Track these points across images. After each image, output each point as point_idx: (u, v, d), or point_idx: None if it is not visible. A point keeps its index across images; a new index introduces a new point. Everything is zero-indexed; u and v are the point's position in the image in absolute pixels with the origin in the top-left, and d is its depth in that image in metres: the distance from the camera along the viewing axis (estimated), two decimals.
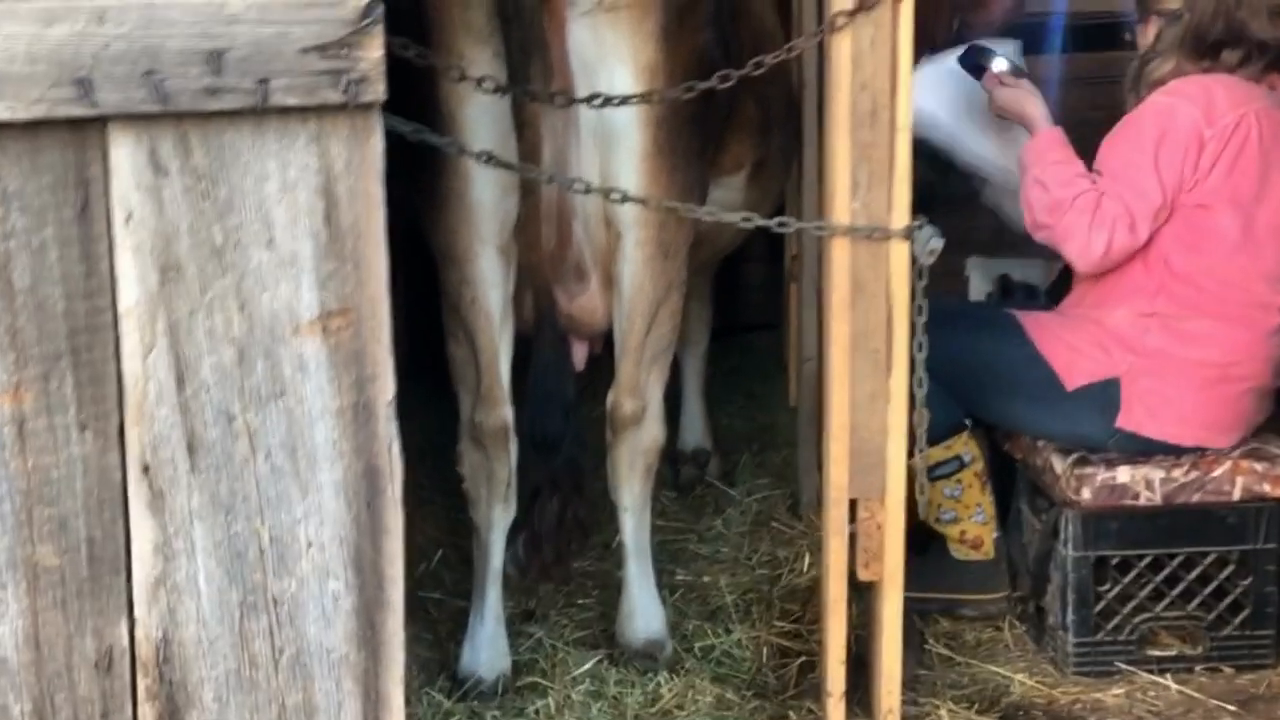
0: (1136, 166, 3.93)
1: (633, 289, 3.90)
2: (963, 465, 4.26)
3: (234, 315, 2.31)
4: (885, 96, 3.36)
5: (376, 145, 2.29)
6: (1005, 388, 4.17)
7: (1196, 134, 3.93)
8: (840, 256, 3.42)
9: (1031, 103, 4.15)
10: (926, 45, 4.74)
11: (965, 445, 4.26)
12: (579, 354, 4.16)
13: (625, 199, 3.57)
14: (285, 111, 2.24)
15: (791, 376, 5.26)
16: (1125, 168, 3.95)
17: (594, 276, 3.95)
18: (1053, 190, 3.97)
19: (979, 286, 5.34)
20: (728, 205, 4.53)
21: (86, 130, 2.22)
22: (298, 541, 2.37)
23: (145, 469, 2.30)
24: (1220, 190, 3.95)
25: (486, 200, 3.78)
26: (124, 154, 2.23)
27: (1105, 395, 4.05)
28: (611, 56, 3.71)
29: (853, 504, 3.51)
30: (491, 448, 3.92)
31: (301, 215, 2.29)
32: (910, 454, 3.52)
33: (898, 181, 3.39)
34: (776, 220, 3.66)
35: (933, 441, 3.89)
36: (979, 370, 4.16)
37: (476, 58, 3.66)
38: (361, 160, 2.28)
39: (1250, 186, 3.97)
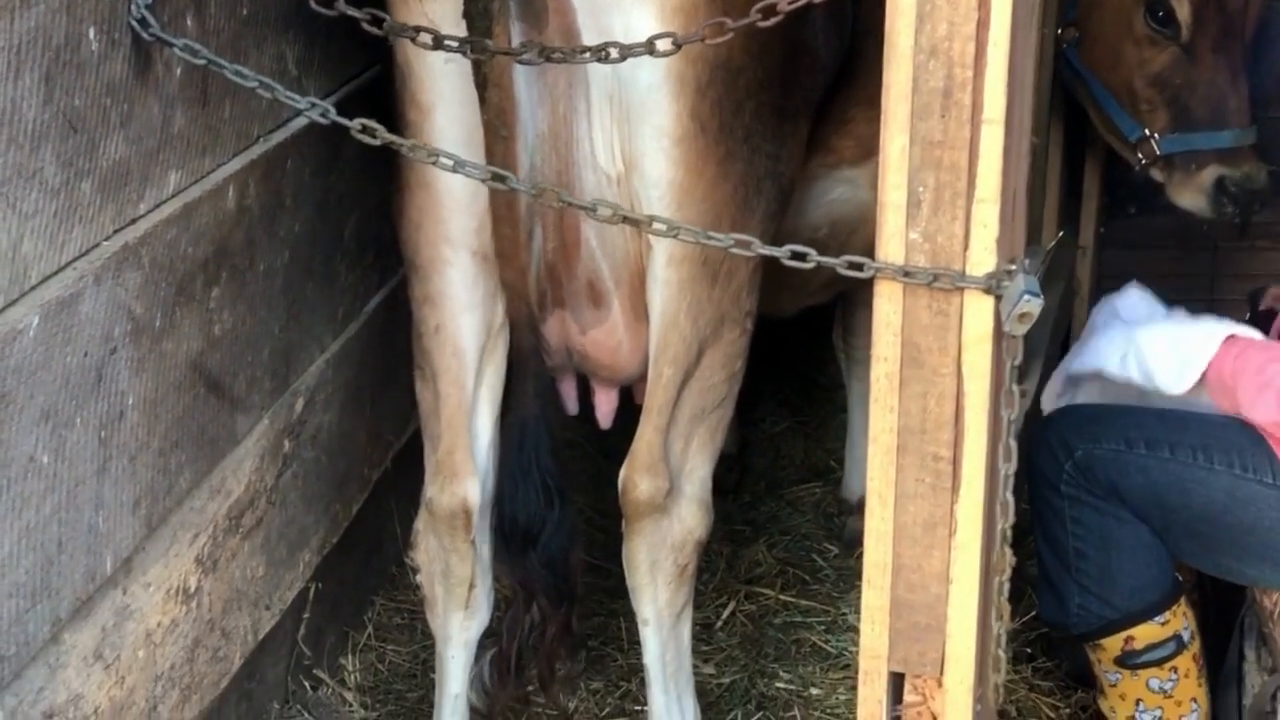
0: None
1: (664, 323, 2.79)
2: (1181, 647, 3.04)
3: None
4: (965, 70, 2.14)
5: None
6: (1245, 544, 2.93)
7: None
8: (888, 310, 2.23)
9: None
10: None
11: (1185, 617, 3.04)
12: (603, 407, 3.07)
13: (653, 228, 2.40)
14: None
15: None
16: None
17: (615, 300, 2.86)
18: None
19: None
20: (851, 207, 3.38)
21: None
22: None
23: None
24: None
25: (458, 185, 2.70)
26: None
27: None
28: None
29: (899, 679, 2.34)
30: (448, 535, 2.86)
31: None
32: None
33: (980, 203, 2.17)
34: (845, 260, 2.25)
35: (1145, 616, 3.01)
36: (1204, 515, 2.94)
37: None
38: None
39: None
